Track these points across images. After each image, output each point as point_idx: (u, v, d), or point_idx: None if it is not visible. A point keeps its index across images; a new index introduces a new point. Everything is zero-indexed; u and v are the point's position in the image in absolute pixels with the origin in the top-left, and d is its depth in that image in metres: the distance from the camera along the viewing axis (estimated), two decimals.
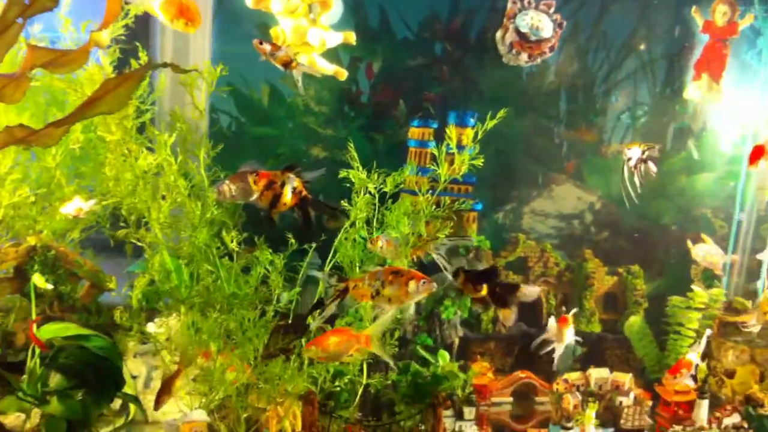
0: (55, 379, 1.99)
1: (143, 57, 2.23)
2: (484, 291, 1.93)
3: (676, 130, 2.97)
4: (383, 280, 1.84)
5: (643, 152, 2.31)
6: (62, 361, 1.99)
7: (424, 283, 1.81)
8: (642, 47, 2.89)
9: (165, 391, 2.13)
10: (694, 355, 2.53)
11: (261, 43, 2.07)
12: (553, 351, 2.39)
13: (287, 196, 1.84)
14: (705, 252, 2.76)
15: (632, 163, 2.32)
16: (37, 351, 2.06)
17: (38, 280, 2.09)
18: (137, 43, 2.29)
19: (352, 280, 1.85)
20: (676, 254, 2.84)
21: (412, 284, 1.82)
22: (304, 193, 1.86)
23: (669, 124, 2.96)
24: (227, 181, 1.75)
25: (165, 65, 1.80)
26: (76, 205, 2.26)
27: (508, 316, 1.96)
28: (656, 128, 2.96)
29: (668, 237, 2.97)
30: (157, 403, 2.13)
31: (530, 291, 1.97)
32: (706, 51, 2.66)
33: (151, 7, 2.06)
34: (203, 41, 2.75)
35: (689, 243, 2.74)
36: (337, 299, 1.86)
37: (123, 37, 2.30)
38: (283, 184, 1.83)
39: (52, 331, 2.05)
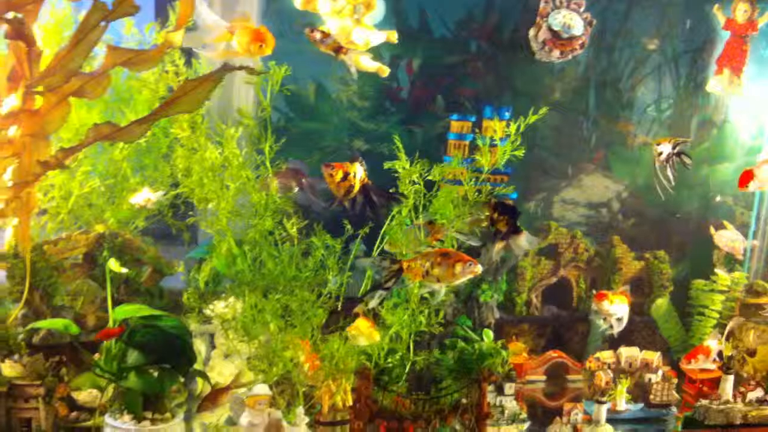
0: (133, 356, 2.14)
1: (204, 59, 2.40)
2: (503, 224, 2.14)
3: (699, 122, 3.12)
4: (433, 261, 2.01)
5: (674, 146, 2.45)
6: (138, 339, 2.15)
7: (470, 264, 1.98)
8: (666, 43, 3.03)
9: (211, 400, 2.29)
10: (714, 342, 2.68)
11: (312, 31, 2.22)
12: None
13: (357, 185, 2.03)
14: (727, 238, 2.91)
15: (663, 157, 2.46)
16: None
17: (113, 264, 2.25)
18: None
19: (405, 261, 2.02)
20: (700, 240, 2.97)
21: (458, 266, 1.99)
22: (366, 180, 2.04)
23: (692, 117, 3.11)
24: (273, 177, 1.93)
25: (239, 68, 1.96)
26: (145, 196, 2.43)
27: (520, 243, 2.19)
28: (680, 120, 3.11)
29: (691, 224, 3.12)
30: (200, 408, 2.29)
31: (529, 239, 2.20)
32: (728, 47, 2.81)
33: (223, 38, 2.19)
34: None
35: (712, 229, 2.89)
36: (393, 278, 2.02)
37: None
38: (355, 175, 2.02)
39: (127, 312, 2.21)
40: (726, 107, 3.05)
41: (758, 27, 2.78)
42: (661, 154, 2.46)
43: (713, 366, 2.68)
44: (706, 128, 3.11)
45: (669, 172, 2.46)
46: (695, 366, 2.67)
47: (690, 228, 3.12)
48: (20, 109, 1.98)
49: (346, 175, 1.98)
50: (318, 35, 2.22)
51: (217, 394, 2.30)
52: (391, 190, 2.29)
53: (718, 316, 2.92)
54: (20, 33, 1.91)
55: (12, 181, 2.04)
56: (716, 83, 2.85)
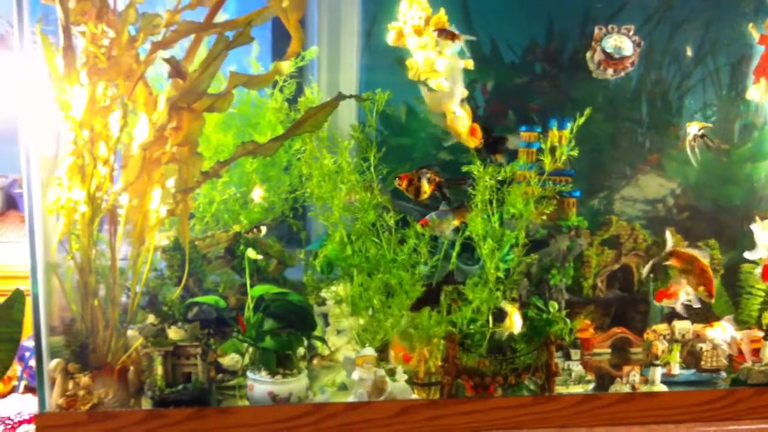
0: (268, 323, 2.72)
1: (315, 88, 3.00)
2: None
3: (741, 125, 3.53)
4: None
5: (699, 129, 3.08)
6: (272, 309, 2.73)
7: None
8: (708, 58, 3.46)
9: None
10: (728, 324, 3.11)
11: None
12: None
13: (425, 187, 2.59)
14: None
15: (690, 137, 3.11)
16: (251, 304, 2.82)
17: (251, 253, 2.85)
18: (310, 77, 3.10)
19: None
20: (747, 230, 3.34)
21: None
22: (437, 179, 2.59)
23: (735, 121, 3.52)
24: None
25: (349, 97, 2.53)
26: (256, 193, 3.04)
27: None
28: (724, 125, 3.50)
29: (739, 216, 3.52)
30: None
31: None
32: (763, 59, 3.25)
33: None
34: (352, 74, 3.49)
35: (758, 219, 3.29)
36: None
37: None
38: (419, 179, 2.59)
39: (262, 289, 2.80)
40: (766, 112, 3.46)
41: None
42: (689, 133, 3.11)
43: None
44: (748, 131, 3.51)
45: (696, 149, 3.03)
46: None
47: (738, 219, 3.51)
48: (168, 126, 2.51)
49: (411, 181, 2.56)
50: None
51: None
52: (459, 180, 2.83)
53: (764, 294, 3.31)
54: (179, 71, 2.49)
55: (175, 189, 2.63)
56: (754, 91, 3.29)
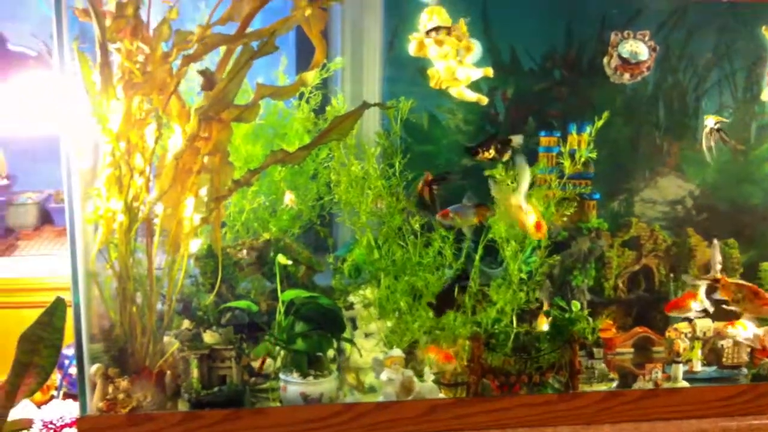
0: (299, 326, 2.81)
1: (341, 99, 3.10)
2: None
3: (758, 126, 3.60)
4: None
5: (715, 123, 3.18)
6: (303, 312, 2.82)
7: None
8: (724, 61, 3.53)
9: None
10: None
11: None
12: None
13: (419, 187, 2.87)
14: None
15: (707, 130, 3.20)
16: (282, 308, 2.91)
17: (282, 259, 2.95)
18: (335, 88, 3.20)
19: None
20: (766, 229, 3.40)
21: None
22: (429, 177, 2.70)
23: (751, 122, 3.59)
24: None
25: (374, 105, 2.62)
26: (287, 197, 3.15)
27: None
28: (740, 126, 3.56)
29: (758, 215, 3.57)
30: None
31: None
32: None
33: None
34: (374, 86, 3.60)
35: None
36: None
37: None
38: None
39: (293, 294, 2.90)
40: None
41: None
42: (706, 126, 3.19)
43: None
44: (764, 131, 3.58)
45: (711, 142, 3.14)
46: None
47: (757, 219, 3.57)
48: (198, 136, 2.59)
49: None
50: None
51: None
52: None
53: None
54: (212, 83, 2.59)
55: (207, 197, 2.73)
56: None
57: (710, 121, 3.23)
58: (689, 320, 3.23)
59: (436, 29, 2.90)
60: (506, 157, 2.92)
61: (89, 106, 2.57)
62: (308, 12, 2.54)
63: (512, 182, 2.83)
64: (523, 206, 2.84)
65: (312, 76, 2.73)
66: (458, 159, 3.49)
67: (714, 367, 3.18)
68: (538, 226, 2.83)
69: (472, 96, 3.11)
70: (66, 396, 3.17)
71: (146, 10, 2.55)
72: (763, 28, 3.29)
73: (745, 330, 3.13)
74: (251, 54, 2.55)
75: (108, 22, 2.50)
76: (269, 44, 2.54)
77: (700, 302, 3.11)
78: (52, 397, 3.20)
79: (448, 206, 2.93)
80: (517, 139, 2.95)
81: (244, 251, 3.10)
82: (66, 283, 2.67)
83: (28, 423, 2.91)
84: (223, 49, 2.62)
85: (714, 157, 3.19)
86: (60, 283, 3.41)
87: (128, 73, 2.54)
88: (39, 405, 3.07)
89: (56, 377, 3.21)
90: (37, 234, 4.21)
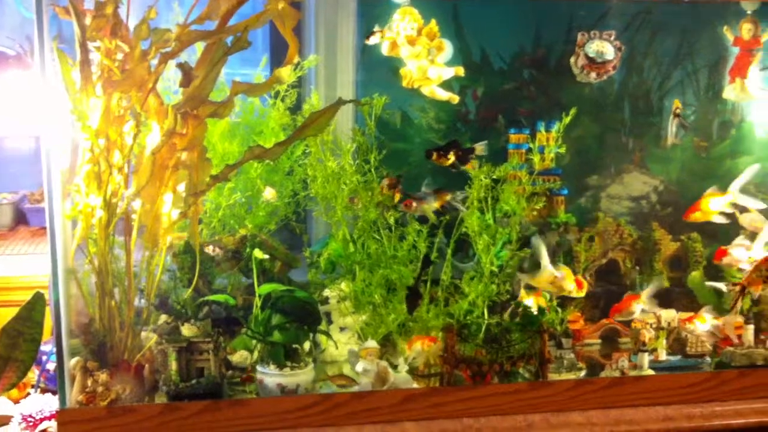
0: (276, 318, 2.87)
1: (315, 98, 3.17)
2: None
3: (720, 123, 3.72)
4: None
5: (675, 108, 3.45)
6: (280, 305, 2.88)
7: None
8: (686, 60, 3.65)
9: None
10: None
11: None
12: None
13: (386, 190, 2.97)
14: (750, 219, 3.46)
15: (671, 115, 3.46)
16: (258, 302, 2.97)
17: (258, 253, 3.01)
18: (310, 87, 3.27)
19: None
20: (728, 223, 3.50)
21: None
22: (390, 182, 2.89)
23: (713, 120, 3.71)
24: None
25: (350, 101, 2.69)
26: (267, 192, 3.20)
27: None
28: (704, 123, 3.69)
29: None
30: None
31: None
32: (737, 60, 3.43)
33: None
34: (348, 90, 3.68)
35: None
36: None
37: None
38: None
39: (270, 287, 2.95)
40: (742, 110, 3.64)
41: (762, 42, 3.39)
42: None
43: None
44: (726, 128, 3.70)
45: (673, 128, 3.43)
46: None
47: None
48: (174, 131, 2.62)
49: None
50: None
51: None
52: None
53: (746, 284, 3.46)
54: (189, 78, 2.63)
55: (186, 193, 2.78)
56: (730, 91, 3.47)
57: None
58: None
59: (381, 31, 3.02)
60: (470, 165, 3.00)
61: (69, 104, 2.61)
62: (281, 5, 2.58)
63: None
64: (557, 274, 2.96)
65: (286, 72, 2.77)
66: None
67: (679, 357, 3.28)
68: (579, 284, 3.05)
69: (443, 95, 3.19)
70: (43, 391, 3.19)
71: (125, 9, 2.59)
72: (725, 27, 3.41)
73: (703, 323, 3.22)
74: (225, 50, 2.61)
75: (88, 21, 2.54)
76: (242, 40, 2.59)
77: (643, 304, 3.21)
78: (28, 394, 3.22)
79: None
80: (480, 147, 3.03)
81: (213, 247, 3.13)
82: (43, 281, 2.70)
83: (6, 420, 2.94)
84: (200, 49, 2.66)
85: (676, 140, 3.34)
86: (36, 281, 3.47)
87: (107, 71, 2.59)
88: (16, 402, 3.08)
89: (33, 374, 3.22)
90: (12, 234, 4.22)
